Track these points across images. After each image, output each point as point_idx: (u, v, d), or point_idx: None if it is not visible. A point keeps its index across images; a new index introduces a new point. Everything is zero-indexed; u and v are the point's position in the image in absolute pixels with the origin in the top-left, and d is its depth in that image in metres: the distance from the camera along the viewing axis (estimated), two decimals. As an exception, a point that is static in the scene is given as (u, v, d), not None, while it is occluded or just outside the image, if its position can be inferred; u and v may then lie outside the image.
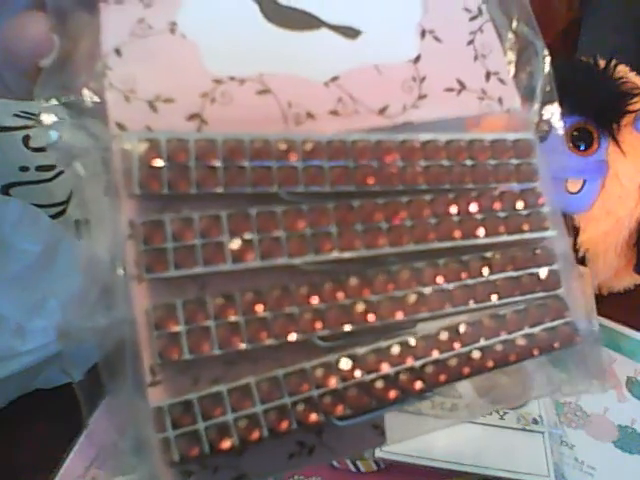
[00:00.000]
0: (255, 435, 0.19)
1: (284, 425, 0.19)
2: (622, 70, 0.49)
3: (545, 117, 0.26)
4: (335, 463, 0.37)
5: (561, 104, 0.47)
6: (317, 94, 0.22)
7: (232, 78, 0.21)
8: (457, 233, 0.21)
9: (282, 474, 0.22)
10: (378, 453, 0.36)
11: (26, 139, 0.49)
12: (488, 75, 0.24)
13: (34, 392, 0.44)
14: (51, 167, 0.48)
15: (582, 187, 0.48)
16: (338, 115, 0.22)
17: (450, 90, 0.24)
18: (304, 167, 0.20)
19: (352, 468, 0.37)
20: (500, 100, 0.24)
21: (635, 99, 0.46)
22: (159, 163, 0.19)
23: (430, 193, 0.21)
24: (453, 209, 0.21)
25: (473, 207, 0.22)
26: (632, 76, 0.49)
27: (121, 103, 0.20)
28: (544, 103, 0.26)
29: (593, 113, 0.47)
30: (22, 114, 0.51)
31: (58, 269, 0.42)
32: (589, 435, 0.41)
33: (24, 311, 0.41)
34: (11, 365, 0.41)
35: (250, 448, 0.19)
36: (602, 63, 0.48)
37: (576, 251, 0.49)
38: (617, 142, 0.47)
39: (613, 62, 0.48)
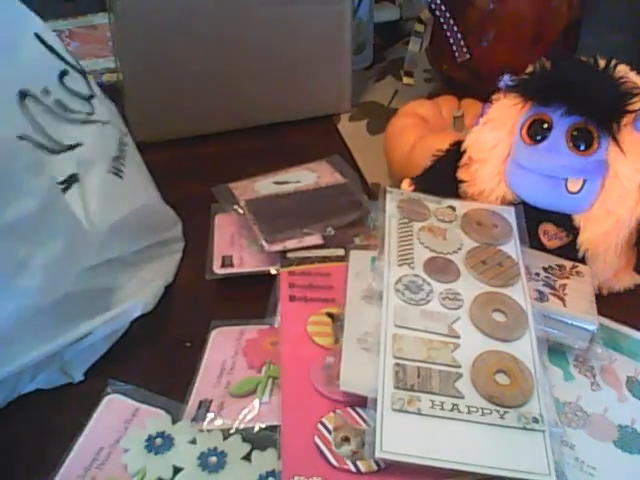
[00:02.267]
0: None
1: None
2: (622, 70, 0.49)
3: None
4: (335, 463, 0.37)
5: (561, 104, 0.47)
6: None
7: None
8: None
9: None
10: (378, 453, 0.36)
11: (63, 74, 0.49)
12: None
13: (34, 392, 0.44)
14: (70, 111, 0.48)
15: (582, 187, 0.48)
16: None
17: None
18: None
19: (352, 468, 0.37)
20: None
21: (635, 99, 0.46)
22: None
23: None
24: None
25: None
26: (632, 76, 0.49)
27: None
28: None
29: (593, 113, 0.47)
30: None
31: (47, 229, 0.41)
32: (589, 435, 0.41)
33: (7, 268, 0.40)
34: (9, 365, 0.41)
35: None
36: (602, 63, 0.48)
37: (576, 251, 0.49)
38: (617, 142, 0.47)
39: (613, 62, 0.48)
